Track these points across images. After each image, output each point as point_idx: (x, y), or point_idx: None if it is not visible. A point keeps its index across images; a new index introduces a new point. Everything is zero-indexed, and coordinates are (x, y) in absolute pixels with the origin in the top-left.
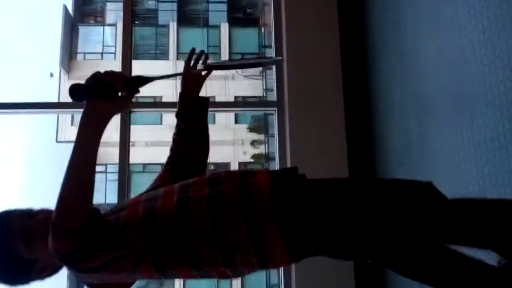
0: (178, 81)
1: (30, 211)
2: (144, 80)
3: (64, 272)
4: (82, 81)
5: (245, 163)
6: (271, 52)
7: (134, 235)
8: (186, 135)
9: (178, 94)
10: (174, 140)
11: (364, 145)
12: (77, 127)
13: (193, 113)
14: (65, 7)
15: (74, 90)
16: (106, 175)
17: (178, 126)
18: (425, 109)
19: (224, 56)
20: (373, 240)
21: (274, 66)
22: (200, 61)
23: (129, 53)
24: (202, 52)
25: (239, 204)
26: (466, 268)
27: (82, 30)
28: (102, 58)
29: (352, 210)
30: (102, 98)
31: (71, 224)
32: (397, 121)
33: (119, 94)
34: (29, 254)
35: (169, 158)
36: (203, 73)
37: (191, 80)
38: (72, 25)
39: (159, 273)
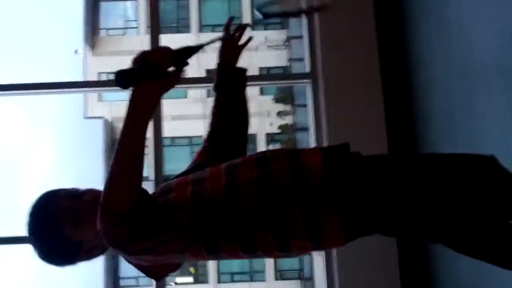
0: (201, 56)
1: (76, 191)
2: (191, 50)
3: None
4: (122, 64)
5: (272, 134)
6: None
7: (184, 215)
8: (225, 109)
9: (216, 65)
10: (213, 114)
11: (403, 118)
12: (127, 108)
13: (231, 85)
14: None
15: (120, 76)
16: (191, 147)
17: (216, 100)
18: (471, 81)
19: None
20: (432, 217)
21: (304, 36)
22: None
23: (157, 27)
24: (241, 25)
25: (292, 188)
26: None
27: (104, 5)
28: (124, 33)
29: (411, 187)
30: (150, 80)
31: (120, 207)
32: (440, 93)
33: (168, 69)
34: (76, 235)
35: (209, 133)
36: (242, 42)
37: (229, 49)
38: (94, 1)
39: (211, 255)
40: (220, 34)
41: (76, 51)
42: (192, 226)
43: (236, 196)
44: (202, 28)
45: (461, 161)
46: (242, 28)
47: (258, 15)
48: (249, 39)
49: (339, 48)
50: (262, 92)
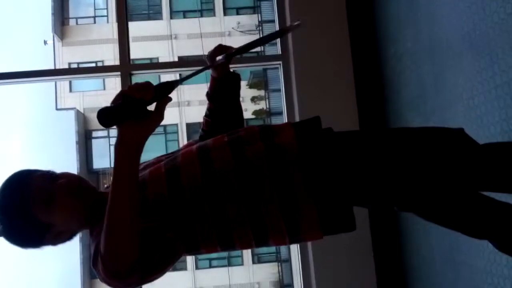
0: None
1: (52, 173)
2: (172, 84)
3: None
4: (104, 102)
5: (247, 120)
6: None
7: (176, 235)
8: (218, 117)
9: (211, 76)
10: (205, 121)
11: (374, 94)
12: (114, 153)
13: (225, 93)
14: None
15: (103, 115)
16: (165, 136)
17: (209, 109)
18: (440, 54)
19: (219, 12)
20: (403, 187)
21: (275, 20)
22: (221, 56)
23: (124, 16)
24: (227, 48)
25: (269, 177)
26: (499, 214)
27: None
28: (94, 22)
29: (382, 158)
30: (134, 118)
31: (122, 266)
32: (410, 67)
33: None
34: (46, 217)
35: (200, 137)
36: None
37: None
38: None
39: (190, 253)
40: (201, 67)
41: (45, 42)
42: (183, 242)
43: (216, 190)
44: (173, 14)
45: (431, 134)
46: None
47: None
48: (232, 56)
49: (309, 28)
50: None
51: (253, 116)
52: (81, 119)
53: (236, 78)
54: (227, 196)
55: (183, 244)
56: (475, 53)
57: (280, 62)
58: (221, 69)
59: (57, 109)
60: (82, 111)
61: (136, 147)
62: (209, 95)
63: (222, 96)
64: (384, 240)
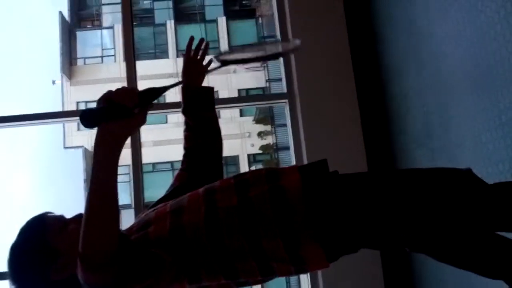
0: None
1: (62, 217)
2: (156, 92)
3: None
4: (89, 103)
5: (254, 155)
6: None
7: (167, 255)
8: (196, 130)
9: (181, 88)
10: (185, 137)
11: (381, 131)
12: (93, 152)
13: (198, 107)
14: (61, 14)
15: (85, 116)
16: (172, 172)
17: (186, 123)
18: (444, 90)
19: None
20: (413, 230)
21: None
22: (210, 57)
23: (132, 55)
24: (201, 40)
25: (271, 216)
26: None
27: (80, 35)
28: (102, 62)
29: (392, 202)
30: (115, 120)
31: (97, 257)
32: (415, 104)
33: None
34: (57, 241)
35: (184, 156)
36: (205, 62)
37: (193, 69)
38: (69, 31)
39: (193, 285)
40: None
41: (53, 82)
42: (175, 265)
43: (217, 227)
44: (178, 53)
45: (438, 175)
46: (204, 46)
47: (216, 63)
48: (211, 60)
49: (314, 67)
50: (242, 114)
51: (260, 151)
52: (89, 157)
53: (207, 92)
54: (228, 232)
55: (174, 266)
56: (480, 91)
57: (286, 100)
58: (194, 73)
59: (65, 147)
60: (90, 149)
61: (117, 145)
62: (184, 109)
63: (196, 110)
64: (396, 280)
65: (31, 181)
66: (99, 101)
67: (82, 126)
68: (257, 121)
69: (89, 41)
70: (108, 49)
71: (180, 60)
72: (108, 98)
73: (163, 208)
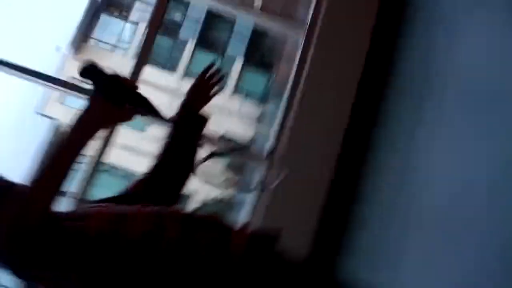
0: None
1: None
2: (149, 107)
3: None
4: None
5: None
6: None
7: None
8: (176, 145)
9: (181, 103)
10: (164, 144)
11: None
12: (74, 121)
13: (189, 128)
14: None
15: (90, 69)
16: None
17: (170, 134)
18: (405, 226)
19: (229, 91)
20: None
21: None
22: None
23: (145, 57)
24: (219, 70)
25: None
26: None
27: (104, 18)
28: (113, 51)
29: None
30: (112, 101)
31: (24, 217)
32: (374, 227)
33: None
34: None
35: (154, 165)
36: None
37: (200, 91)
38: (95, 10)
39: None
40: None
41: (58, 48)
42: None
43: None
44: (187, 73)
45: None
46: (220, 76)
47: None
48: (221, 88)
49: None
50: None
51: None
52: (57, 132)
53: (203, 121)
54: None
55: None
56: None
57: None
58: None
59: (36, 112)
60: (63, 127)
61: (101, 124)
62: (173, 122)
63: (185, 130)
64: None
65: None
66: (110, 72)
67: (67, 101)
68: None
69: (110, 28)
70: (124, 42)
71: (185, 80)
72: (118, 77)
73: (107, 208)
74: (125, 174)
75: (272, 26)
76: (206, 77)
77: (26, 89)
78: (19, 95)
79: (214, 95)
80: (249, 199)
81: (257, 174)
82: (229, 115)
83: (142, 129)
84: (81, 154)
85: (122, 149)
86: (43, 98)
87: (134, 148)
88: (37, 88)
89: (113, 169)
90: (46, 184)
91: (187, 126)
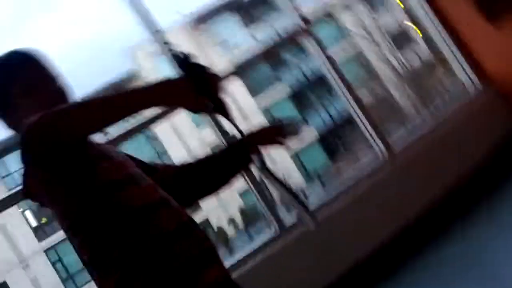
0: None
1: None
2: (226, 115)
3: None
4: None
5: None
6: None
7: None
8: (213, 167)
9: (240, 134)
10: (203, 159)
11: None
12: (154, 82)
13: (233, 160)
14: None
15: (187, 59)
16: None
17: (216, 155)
18: None
19: None
20: None
21: None
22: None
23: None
24: (298, 130)
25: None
26: None
27: None
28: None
29: None
30: (196, 88)
31: (62, 127)
32: None
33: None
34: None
35: (186, 165)
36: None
37: (267, 135)
38: None
39: (68, 232)
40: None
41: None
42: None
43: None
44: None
45: None
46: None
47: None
48: (286, 143)
49: None
50: None
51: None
52: None
53: (247, 161)
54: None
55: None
56: None
57: None
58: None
59: None
60: None
61: (170, 97)
62: (224, 149)
63: (229, 160)
64: None
65: None
66: (202, 66)
67: None
68: None
69: None
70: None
71: None
72: (208, 71)
73: (128, 163)
74: (161, 149)
75: None
76: (282, 130)
77: None
78: None
79: (275, 144)
80: None
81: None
82: None
83: (198, 125)
84: (137, 111)
85: (170, 127)
86: None
87: (181, 133)
88: None
89: (153, 140)
90: (95, 112)
91: (239, 154)
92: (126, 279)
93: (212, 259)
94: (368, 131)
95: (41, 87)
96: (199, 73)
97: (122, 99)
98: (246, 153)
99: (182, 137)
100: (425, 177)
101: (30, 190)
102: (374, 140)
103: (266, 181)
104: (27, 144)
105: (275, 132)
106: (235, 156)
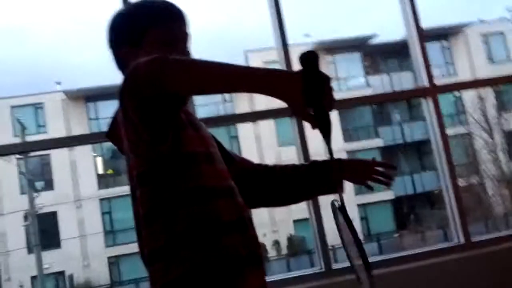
0: None
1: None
2: (327, 134)
3: None
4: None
5: None
6: None
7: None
8: (290, 181)
9: (335, 160)
10: (284, 167)
11: None
12: (260, 69)
13: (316, 179)
14: None
15: (311, 59)
16: None
17: (299, 168)
18: None
19: None
20: None
21: None
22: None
23: None
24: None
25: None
26: None
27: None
28: None
29: None
30: (307, 89)
31: (167, 78)
32: None
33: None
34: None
35: (264, 166)
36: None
37: (360, 169)
38: None
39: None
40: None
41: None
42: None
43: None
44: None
45: None
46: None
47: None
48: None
49: None
50: None
51: None
52: None
53: (331, 189)
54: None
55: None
56: None
57: None
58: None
59: None
60: None
61: (272, 90)
62: (312, 162)
63: (312, 177)
64: None
65: None
66: (321, 73)
67: None
68: None
69: None
70: None
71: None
72: (325, 79)
73: (210, 138)
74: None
75: None
76: (378, 168)
77: None
78: None
79: (367, 186)
80: None
81: None
82: None
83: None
84: (242, 91)
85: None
86: None
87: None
88: None
89: (233, 137)
90: (208, 75)
91: (325, 176)
92: (172, 246)
93: (257, 265)
94: (452, 211)
95: (175, 43)
96: (318, 78)
97: (237, 74)
98: (336, 179)
99: (261, 144)
100: (498, 277)
101: (114, 132)
102: (455, 222)
103: (335, 221)
104: (133, 74)
105: (372, 168)
106: (320, 177)
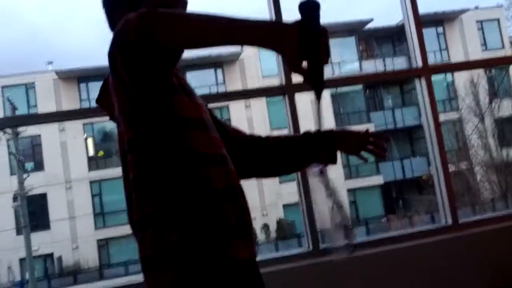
0: None
1: None
2: (319, 88)
3: None
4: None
5: None
6: None
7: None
8: (284, 150)
9: (331, 132)
10: (276, 137)
11: None
12: (260, 20)
13: (309, 150)
14: None
15: (312, 8)
16: None
17: (291, 137)
18: None
19: None
20: None
21: None
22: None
23: None
24: (386, 142)
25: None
26: None
27: None
28: None
29: None
30: (302, 42)
31: (160, 31)
32: None
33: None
34: None
35: (252, 136)
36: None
37: (355, 140)
38: None
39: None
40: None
41: None
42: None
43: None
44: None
45: None
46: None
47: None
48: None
49: None
50: None
51: None
52: None
53: (331, 160)
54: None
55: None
56: None
57: None
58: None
59: None
60: None
61: (271, 39)
62: (306, 134)
63: (305, 149)
64: None
65: None
66: (319, 27)
67: None
68: None
69: None
70: None
71: None
72: (321, 33)
73: (205, 109)
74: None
75: None
76: (372, 138)
77: None
78: None
79: (361, 157)
80: None
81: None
82: None
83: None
84: (237, 44)
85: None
86: None
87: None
88: None
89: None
90: (202, 28)
91: (317, 146)
92: (162, 212)
93: (247, 233)
94: (441, 194)
95: (173, 7)
96: (315, 30)
97: (231, 25)
98: (329, 149)
99: (253, 127)
100: (485, 258)
101: (104, 96)
102: (443, 205)
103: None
104: (124, 28)
105: (365, 139)
106: (313, 147)
